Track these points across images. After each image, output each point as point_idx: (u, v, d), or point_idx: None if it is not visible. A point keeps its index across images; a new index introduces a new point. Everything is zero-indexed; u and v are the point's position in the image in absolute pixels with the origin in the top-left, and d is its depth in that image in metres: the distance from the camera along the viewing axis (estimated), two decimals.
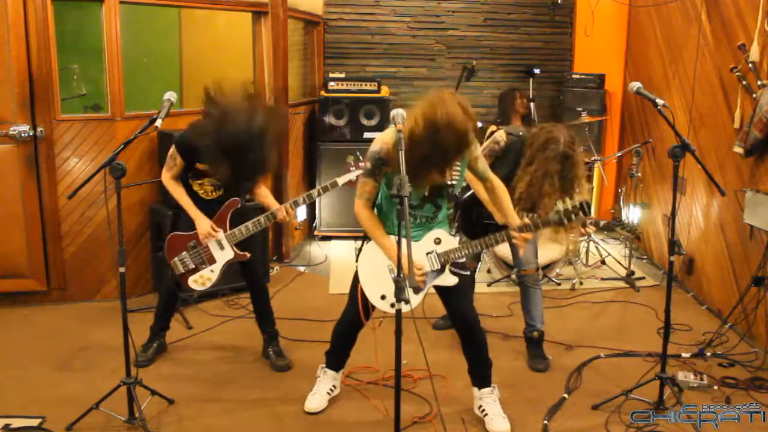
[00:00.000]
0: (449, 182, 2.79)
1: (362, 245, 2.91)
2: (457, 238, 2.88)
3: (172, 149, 3.34)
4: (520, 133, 3.47)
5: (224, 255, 3.39)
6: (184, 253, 3.37)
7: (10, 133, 4.04)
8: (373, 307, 2.90)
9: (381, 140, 2.70)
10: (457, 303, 2.92)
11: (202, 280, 3.39)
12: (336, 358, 3.18)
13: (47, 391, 3.25)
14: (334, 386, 3.19)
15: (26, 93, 4.04)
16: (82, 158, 4.25)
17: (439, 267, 2.82)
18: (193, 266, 3.37)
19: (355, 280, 2.92)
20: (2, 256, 4.18)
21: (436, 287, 2.91)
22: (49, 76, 4.07)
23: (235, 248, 3.39)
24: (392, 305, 2.79)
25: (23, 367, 3.51)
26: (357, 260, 2.90)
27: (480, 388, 3.01)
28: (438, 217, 2.87)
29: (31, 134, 4.08)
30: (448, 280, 2.85)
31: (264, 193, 3.54)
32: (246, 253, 3.41)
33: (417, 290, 2.80)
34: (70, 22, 5.09)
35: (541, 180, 3.15)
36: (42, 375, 3.42)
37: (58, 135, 4.17)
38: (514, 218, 2.87)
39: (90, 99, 5.11)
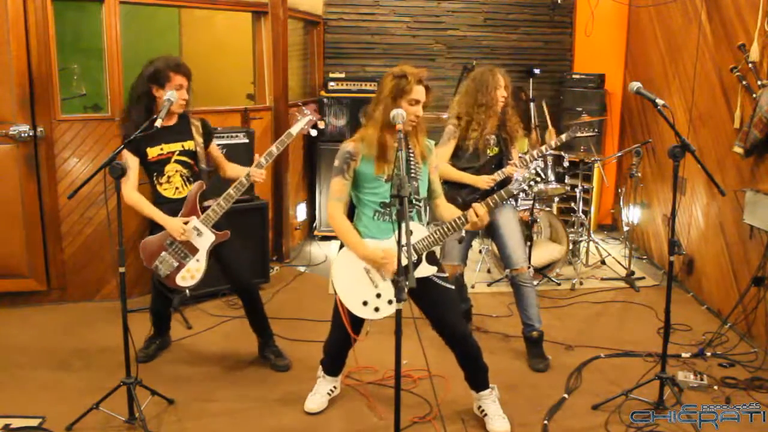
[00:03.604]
0: (413, 175, 2.78)
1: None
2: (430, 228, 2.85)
3: (122, 154, 3.21)
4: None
5: (205, 240, 3.31)
6: (164, 253, 3.29)
7: (10, 133, 4.04)
8: (362, 321, 2.87)
9: (348, 140, 2.83)
10: (445, 317, 2.85)
11: (191, 273, 3.31)
12: (332, 367, 3.18)
13: (47, 391, 3.25)
14: (334, 387, 3.19)
15: (26, 93, 4.04)
16: (82, 158, 4.25)
17: (415, 258, 2.79)
18: (177, 264, 3.31)
19: (335, 304, 2.87)
20: (2, 256, 4.18)
21: (421, 302, 2.87)
22: (49, 76, 4.07)
23: (213, 230, 3.32)
24: (376, 309, 2.78)
25: (23, 367, 3.51)
26: (331, 278, 2.84)
27: (478, 390, 3.01)
28: (413, 215, 2.82)
29: (31, 134, 4.09)
30: (426, 270, 2.81)
31: (228, 167, 3.54)
32: (227, 231, 3.34)
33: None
34: (70, 22, 5.09)
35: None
36: (42, 375, 3.42)
37: (58, 135, 4.18)
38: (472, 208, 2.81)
39: (90, 99, 5.12)
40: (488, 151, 3.70)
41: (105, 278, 4.44)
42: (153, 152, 3.33)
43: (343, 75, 5.85)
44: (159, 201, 3.37)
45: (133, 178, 3.30)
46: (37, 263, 4.26)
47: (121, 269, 2.85)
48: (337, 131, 5.75)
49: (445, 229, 2.78)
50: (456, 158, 3.70)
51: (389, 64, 6.37)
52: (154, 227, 3.37)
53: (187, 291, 3.45)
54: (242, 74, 5.61)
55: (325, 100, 5.74)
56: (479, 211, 2.72)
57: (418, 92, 2.71)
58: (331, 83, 5.75)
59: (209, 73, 6.15)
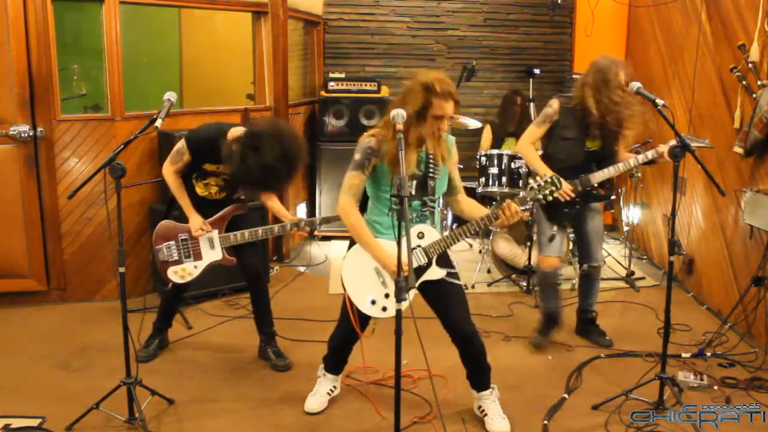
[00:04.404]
0: (431, 175, 2.77)
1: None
2: (443, 231, 2.84)
3: (182, 144, 3.29)
4: (570, 95, 3.57)
5: (212, 255, 3.38)
6: (172, 242, 3.36)
7: (10, 133, 4.05)
8: (368, 317, 2.84)
9: (369, 133, 2.76)
10: (452, 313, 2.85)
11: (183, 273, 3.36)
12: (334, 365, 3.16)
13: (47, 391, 3.25)
14: (334, 387, 3.19)
15: (26, 93, 4.04)
16: (82, 158, 4.25)
17: (426, 262, 2.78)
18: (177, 257, 3.36)
19: (344, 299, 2.84)
20: (2, 256, 4.18)
21: (429, 298, 2.87)
22: (49, 76, 4.07)
23: (224, 251, 3.38)
24: (384, 309, 2.76)
25: (23, 367, 3.51)
26: (341, 274, 2.81)
27: (479, 390, 3.01)
28: (426, 215, 2.82)
29: (31, 134, 4.09)
30: (436, 273, 2.80)
31: (273, 202, 3.56)
32: (233, 258, 3.42)
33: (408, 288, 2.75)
34: (70, 22, 5.10)
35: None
36: (42, 375, 3.42)
37: (58, 135, 4.18)
38: (486, 210, 2.82)
39: (90, 99, 5.12)
40: (587, 144, 3.55)
41: (105, 278, 4.44)
42: (210, 167, 3.37)
43: (343, 75, 5.85)
44: (188, 194, 3.41)
45: (179, 166, 3.34)
46: (37, 263, 4.26)
47: (121, 269, 2.85)
48: (337, 131, 5.74)
49: (472, 228, 2.75)
50: (553, 148, 3.59)
51: (389, 64, 6.39)
52: (172, 213, 3.43)
53: (170, 285, 3.50)
54: (242, 74, 5.62)
55: (325, 100, 5.73)
56: (513, 208, 2.67)
57: (447, 108, 2.65)
58: (331, 83, 5.75)
59: (209, 73, 6.17)
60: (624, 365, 3.58)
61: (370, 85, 5.77)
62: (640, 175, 5.22)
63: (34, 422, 2.92)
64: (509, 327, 4.13)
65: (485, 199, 5.02)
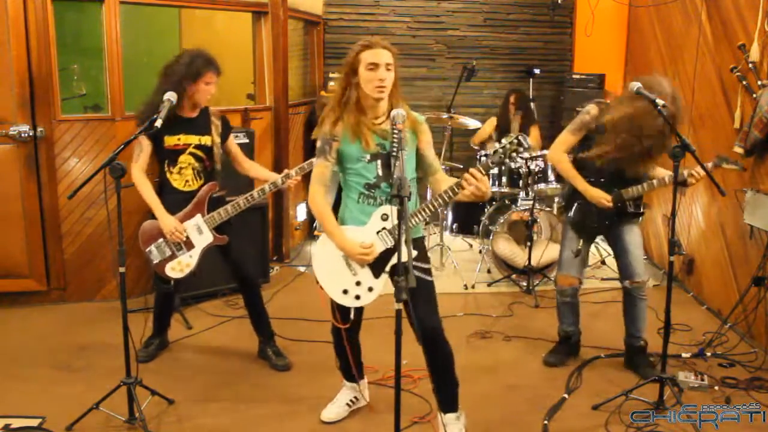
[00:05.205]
0: (394, 154, 2.46)
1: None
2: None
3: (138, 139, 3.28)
4: (608, 102, 3.38)
5: (203, 239, 3.35)
6: (160, 240, 3.33)
7: (10, 133, 4.05)
8: (348, 308, 2.75)
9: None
10: (421, 310, 2.61)
11: (181, 266, 3.34)
12: (344, 371, 3.07)
13: (47, 391, 3.25)
14: (355, 398, 3.09)
15: (26, 93, 4.04)
16: (82, 158, 4.25)
17: (393, 244, 2.64)
18: (170, 253, 3.34)
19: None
20: (2, 256, 4.18)
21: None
22: (49, 76, 4.07)
23: (214, 232, 3.36)
24: (357, 297, 2.68)
25: (23, 367, 3.51)
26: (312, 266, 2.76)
27: (446, 412, 2.77)
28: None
29: (31, 134, 4.09)
30: (406, 254, 2.71)
31: (249, 164, 3.56)
32: (225, 236, 3.38)
33: (378, 274, 2.65)
34: (70, 22, 5.09)
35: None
36: (42, 375, 3.42)
37: (58, 135, 4.18)
38: (458, 180, 2.59)
39: (90, 99, 5.12)
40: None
41: (105, 278, 4.44)
42: (170, 141, 3.35)
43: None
44: (167, 191, 3.40)
45: (142, 160, 3.34)
46: (37, 263, 4.27)
47: (121, 269, 2.85)
48: None
49: (438, 201, 2.59)
50: (583, 165, 3.40)
51: None
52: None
53: (172, 282, 3.48)
54: (242, 74, 5.62)
55: (325, 100, 5.73)
56: (475, 173, 2.44)
57: (373, 55, 2.55)
58: (331, 83, 5.76)
59: None
60: (624, 365, 3.58)
61: None
62: None
63: (34, 422, 2.92)
64: (509, 327, 4.13)
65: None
